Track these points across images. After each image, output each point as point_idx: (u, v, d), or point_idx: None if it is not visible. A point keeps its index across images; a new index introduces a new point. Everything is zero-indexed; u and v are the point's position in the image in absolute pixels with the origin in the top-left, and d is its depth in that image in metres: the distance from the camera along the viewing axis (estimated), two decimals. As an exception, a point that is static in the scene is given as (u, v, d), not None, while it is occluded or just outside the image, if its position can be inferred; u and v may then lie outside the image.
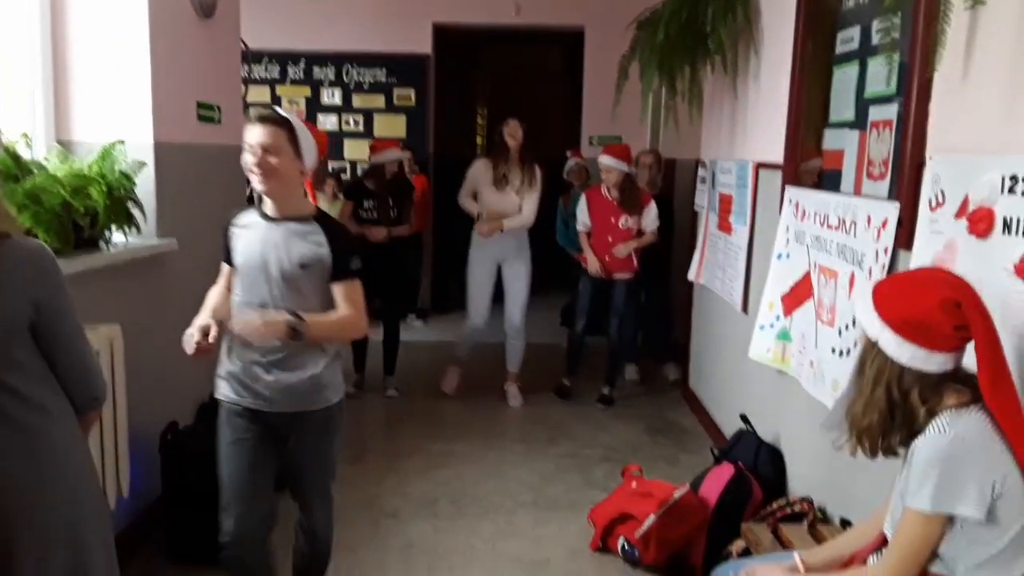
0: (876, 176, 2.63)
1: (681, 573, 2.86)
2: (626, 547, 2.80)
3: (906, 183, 2.25)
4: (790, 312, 3.04)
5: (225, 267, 2.47)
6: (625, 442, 4.19)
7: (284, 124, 2.20)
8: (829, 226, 2.74)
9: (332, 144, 6.98)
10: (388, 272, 4.82)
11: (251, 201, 5.39)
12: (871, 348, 1.58)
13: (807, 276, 2.92)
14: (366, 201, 4.76)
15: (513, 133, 4.51)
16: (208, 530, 2.87)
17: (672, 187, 5.67)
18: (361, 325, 2.31)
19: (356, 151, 6.97)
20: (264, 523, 2.40)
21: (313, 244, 2.22)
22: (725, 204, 4.09)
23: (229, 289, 2.42)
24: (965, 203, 1.93)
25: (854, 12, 2.89)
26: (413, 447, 4.04)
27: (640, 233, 4.62)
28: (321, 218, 2.30)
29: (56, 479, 1.62)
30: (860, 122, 2.79)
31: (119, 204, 2.79)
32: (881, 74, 2.64)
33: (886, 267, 2.32)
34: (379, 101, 7.00)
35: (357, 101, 7.01)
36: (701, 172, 4.68)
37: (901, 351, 1.53)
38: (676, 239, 5.27)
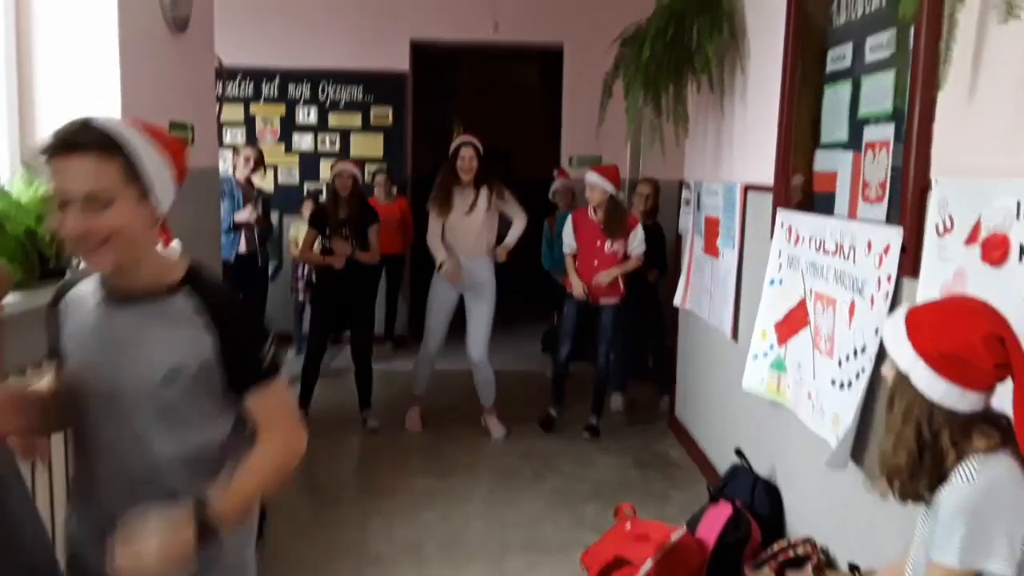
0: (873, 199, 2.54)
1: (678, 617, 2.73)
2: (620, 592, 2.67)
3: (909, 207, 2.16)
4: (784, 341, 2.94)
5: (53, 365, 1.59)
6: (614, 477, 4.05)
7: (111, 148, 1.34)
8: (826, 251, 2.64)
9: (308, 165, 6.86)
10: (354, 301, 4.68)
11: (236, 229, 5.31)
12: (901, 381, 1.46)
13: (802, 303, 2.82)
14: (327, 228, 4.60)
15: (467, 167, 4.39)
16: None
17: (655, 208, 5.57)
18: (298, 447, 1.57)
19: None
20: None
21: (184, 337, 1.40)
22: (711, 227, 3.99)
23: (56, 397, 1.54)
24: (976, 229, 1.84)
25: (845, 30, 2.81)
26: (396, 485, 3.88)
27: (626, 257, 4.51)
28: (197, 285, 1.46)
29: None
30: (854, 143, 2.71)
31: (84, 231, 2.63)
32: (876, 93, 2.57)
33: (890, 295, 2.22)
34: (356, 120, 6.85)
35: (333, 120, 6.85)
36: (685, 194, 4.59)
37: (934, 387, 1.41)
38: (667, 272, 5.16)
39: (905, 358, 1.44)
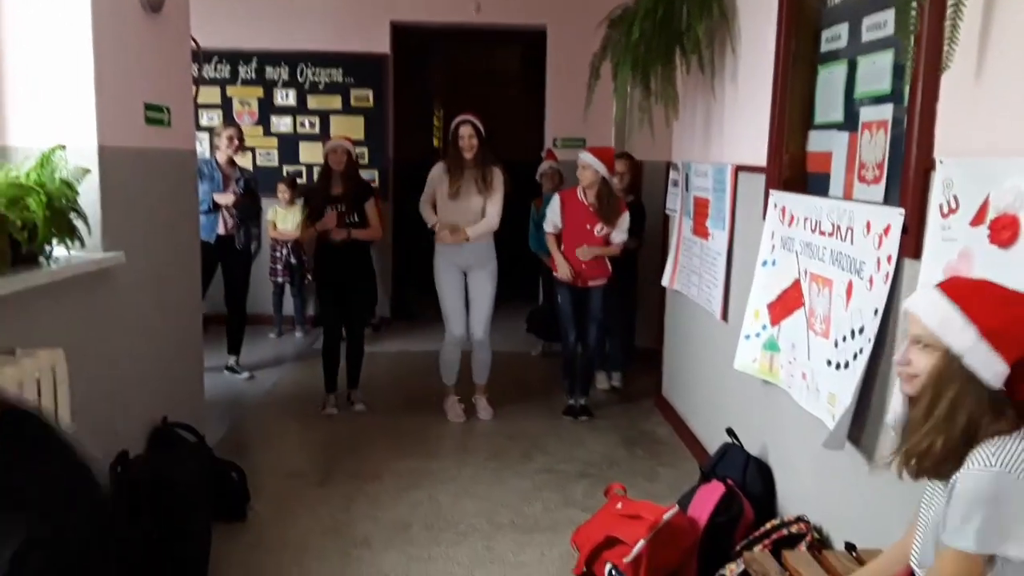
0: (870, 180, 2.53)
1: (671, 598, 2.72)
2: (614, 573, 2.65)
3: (911, 187, 2.14)
4: (778, 321, 2.93)
5: None
6: (601, 456, 4.04)
7: None
8: (821, 232, 2.63)
9: (287, 147, 6.76)
10: (352, 279, 4.61)
11: (215, 210, 5.16)
12: (950, 363, 1.41)
13: (796, 284, 2.81)
14: (326, 208, 4.52)
15: (468, 145, 4.30)
16: (162, 566, 2.66)
17: (640, 190, 5.56)
18: None
19: (312, 155, 6.71)
20: None
21: None
22: (701, 208, 3.97)
23: None
24: (983, 209, 1.82)
25: (840, 10, 2.79)
26: (382, 467, 3.84)
27: (608, 242, 4.49)
28: None
29: None
30: (849, 123, 2.69)
31: (60, 215, 2.55)
32: (874, 73, 2.55)
33: (890, 276, 2.20)
34: (335, 102, 6.75)
35: (312, 102, 6.74)
36: (673, 175, 4.56)
37: (991, 367, 1.37)
38: (646, 244, 5.16)
39: (963, 338, 1.39)
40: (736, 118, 3.57)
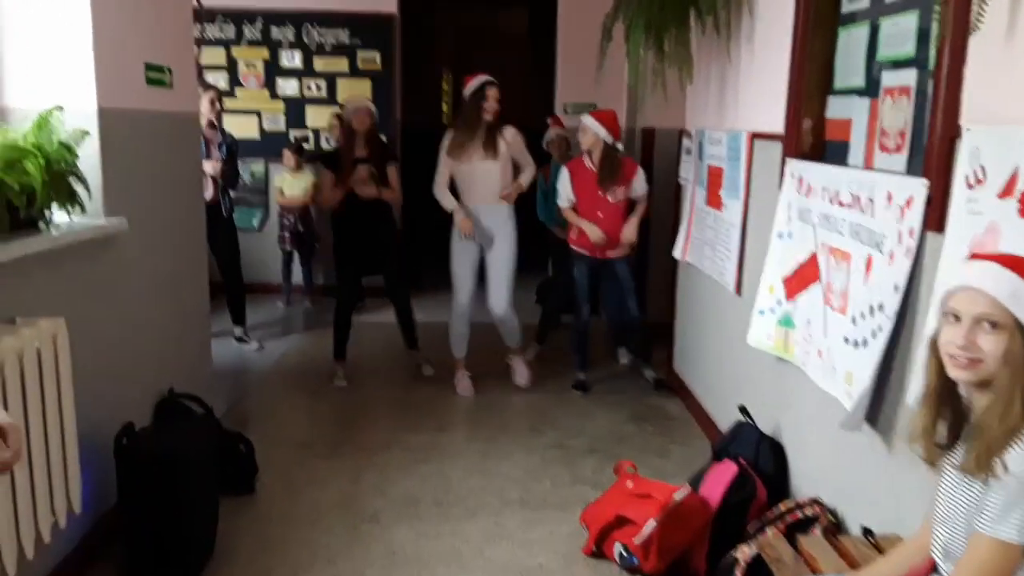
0: (891, 148, 2.43)
1: (682, 579, 2.69)
2: (624, 554, 2.62)
3: (935, 157, 2.05)
4: (793, 296, 2.85)
5: None
6: (610, 431, 4.00)
7: None
8: (840, 203, 2.54)
9: (294, 111, 6.65)
10: (380, 242, 4.53)
11: (221, 182, 5.05)
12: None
13: (813, 258, 2.73)
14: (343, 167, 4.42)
15: (491, 108, 4.19)
16: (168, 540, 2.64)
17: (651, 158, 5.45)
18: None
19: (319, 118, 6.61)
20: None
21: None
22: (714, 177, 3.88)
23: None
24: (1013, 180, 1.73)
25: (864, -31, 2.68)
26: (391, 439, 3.81)
27: (632, 204, 4.39)
28: None
29: None
30: (871, 89, 2.59)
31: (59, 179, 2.49)
32: (897, 36, 2.44)
33: (912, 250, 2.12)
34: (342, 64, 6.62)
35: (319, 64, 6.62)
36: (686, 143, 4.46)
37: None
38: (654, 213, 5.06)
39: None
40: (752, 83, 3.46)
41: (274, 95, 6.65)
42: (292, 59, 6.61)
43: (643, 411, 4.29)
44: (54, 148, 2.44)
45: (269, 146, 6.57)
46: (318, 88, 6.65)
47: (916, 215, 2.11)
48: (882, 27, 2.53)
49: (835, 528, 2.36)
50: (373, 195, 4.40)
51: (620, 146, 4.42)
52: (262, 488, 3.27)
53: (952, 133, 1.99)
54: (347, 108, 4.51)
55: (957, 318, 1.40)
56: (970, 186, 1.88)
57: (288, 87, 6.65)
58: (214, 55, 6.53)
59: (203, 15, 4.02)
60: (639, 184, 4.39)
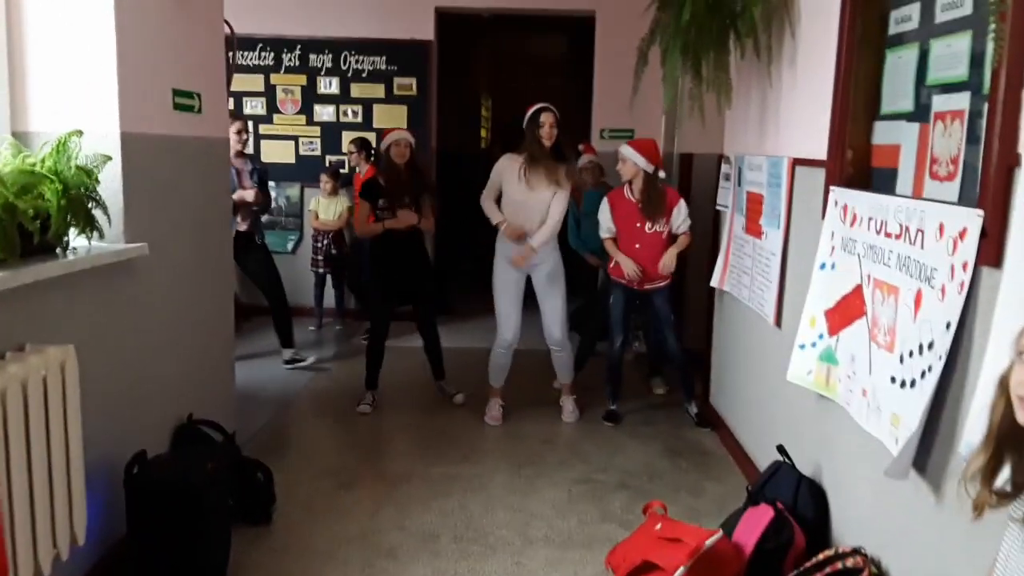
0: (943, 176, 2.28)
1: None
2: (651, 600, 2.47)
3: (992, 186, 1.90)
4: (836, 331, 2.69)
5: None
6: (642, 465, 3.84)
7: None
8: (888, 234, 2.38)
9: (329, 136, 6.66)
10: (416, 272, 4.50)
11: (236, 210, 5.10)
12: None
13: (858, 290, 2.57)
14: (381, 200, 4.41)
15: (548, 134, 4.10)
16: (177, 572, 2.56)
17: (690, 184, 5.32)
18: None
19: (355, 144, 6.61)
20: None
21: None
22: (754, 204, 3.73)
23: None
24: (1079, 214, 1.59)
25: (913, -12, 2.54)
26: (414, 470, 3.70)
27: (673, 237, 4.27)
28: None
29: None
30: (920, 113, 2.44)
31: (77, 204, 2.45)
32: (949, 57, 2.30)
33: (965, 286, 1.96)
34: (379, 91, 6.64)
35: (355, 90, 6.64)
36: (725, 168, 4.32)
37: None
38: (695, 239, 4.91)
39: None
40: (794, 107, 3.32)
41: (311, 121, 6.67)
42: (329, 85, 6.64)
43: (678, 445, 4.12)
44: (71, 173, 2.41)
45: (305, 171, 6.60)
46: (354, 114, 6.66)
47: (970, 248, 1.95)
48: (933, 49, 2.39)
49: (881, 584, 2.19)
50: (412, 223, 4.37)
51: (663, 174, 4.31)
52: (279, 518, 3.18)
53: (1010, 161, 1.84)
54: (387, 139, 4.46)
55: None
56: (1031, 218, 1.73)
57: (325, 113, 6.67)
58: (253, 82, 6.60)
59: (235, 41, 3.99)
60: (680, 216, 4.27)
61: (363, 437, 4.17)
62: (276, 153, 6.61)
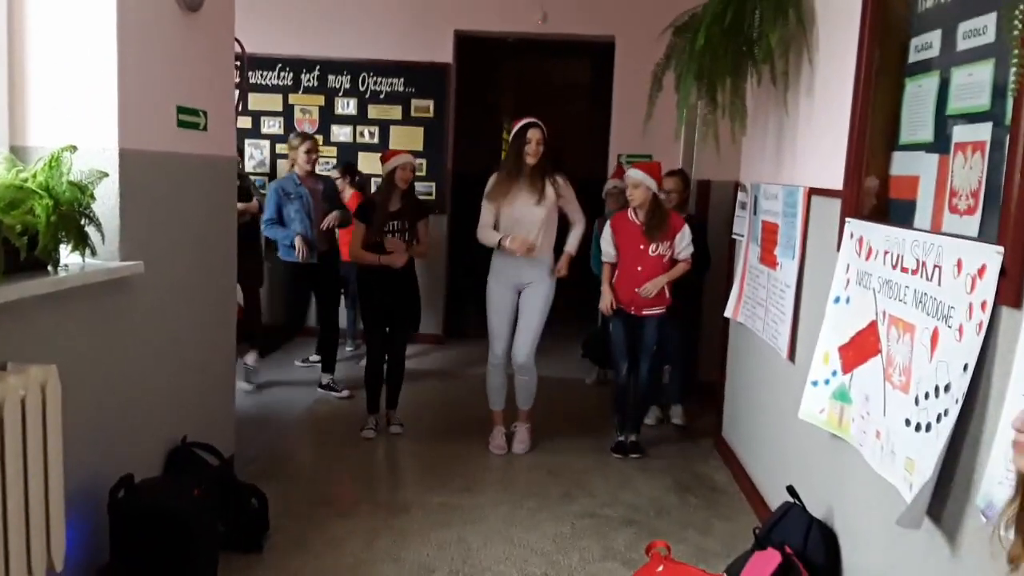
0: (962, 210, 2.17)
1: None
2: (649, 648, 2.35)
3: (1013, 222, 1.79)
4: (850, 368, 2.58)
5: None
6: (650, 500, 3.72)
7: None
8: (904, 269, 2.28)
9: (345, 156, 6.63)
10: (401, 296, 4.43)
11: (247, 229, 5.13)
12: None
13: (872, 326, 2.46)
14: (385, 225, 4.37)
15: (533, 151, 4.03)
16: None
17: (707, 211, 5.22)
18: None
19: (371, 164, 6.58)
20: None
21: None
22: (769, 234, 3.63)
23: None
24: (1106, 253, 1.48)
25: (932, 15, 2.44)
26: (413, 499, 3.60)
27: (673, 263, 4.18)
28: None
29: None
30: (940, 144, 2.34)
31: (68, 221, 2.40)
32: (970, 87, 2.20)
33: (983, 326, 1.85)
34: (396, 112, 6.62)
35: (373, 112, 6.63)
36: (741, 196, 4.23)
37: None
38: (711, 268, 4.81)
39: None
40: (811, 135, 3.23)
41: (328, 141, 6.66)
42: (347, 106, 6.64)
43: (687, 480, 4.00)
44: (63, 188, 2.36)
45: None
46: (371, 135, 6.64)
47: (989, 287, 1.84)
48: (953, 77, 2.29)
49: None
50: (403, 263, 4.36)
51: (662, 194, 4.27)
52: (271, 546, 3.10)
53: (1031, 195, 1.74)
54: (394, 161, 4.42)
55: None
56: (1053, 255, 1.63)
57: (342, 133, 6.67)
58: (271, 101, 6.62)
59: (246, 61, 3.97)
60: (684, 242, 4.19)
61: (364, 463, 4.09)
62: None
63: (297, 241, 4.99)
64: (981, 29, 2.15)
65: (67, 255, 2.48)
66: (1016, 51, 1.77)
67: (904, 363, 2.22)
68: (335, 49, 6.51)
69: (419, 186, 6.58)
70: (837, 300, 2.73)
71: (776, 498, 3.12)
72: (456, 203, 6.76)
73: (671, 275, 4.18)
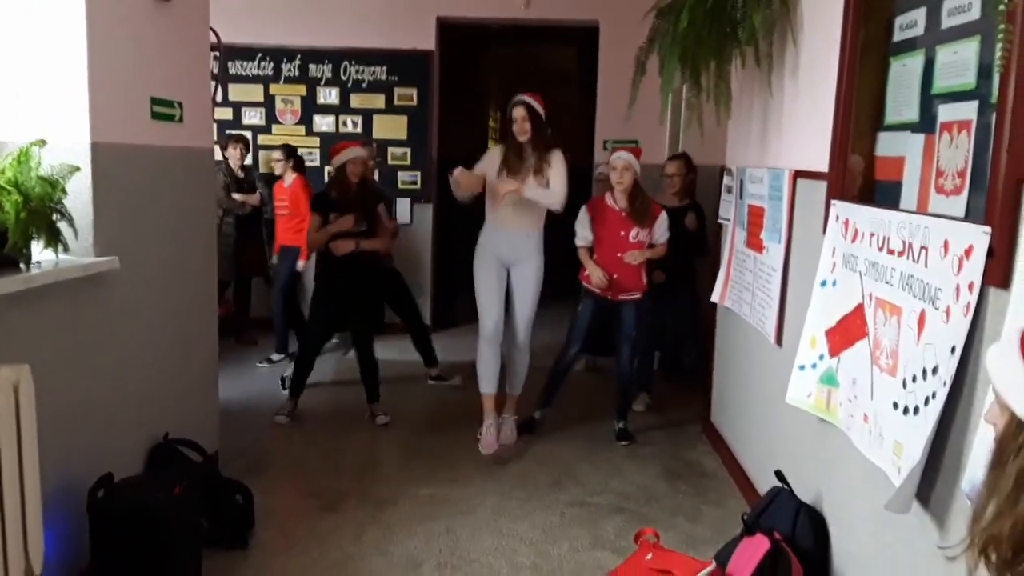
0: (949, 190, 2.15)
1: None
2: (639, 637, 2.33)
3: (1000, 202, 1.76)
4: (837, 352, 2.55)
5: None
6: (639, 488, 3.70)
7: None
8: (890, 251, 2.25)
9: (328, 146, 6.54)
10: (355, 288, 4.43)
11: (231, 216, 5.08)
12: (1016, 430, 1.11)
13: (859, 309, 2.44)
14: (331, 214, 4.38)
15: (520, 129, 3.94)
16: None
17: (693, 195, 5.18)
18: None
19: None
20: None
21: None
22: (755, 218, 3.60)
23: None
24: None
25: (918, -7, 2.41)
26: (398, 492, 3.57)
27: (651, 246, 4.16)
28: None
29: None
30: (926, 124, 2.31)
31: (39, 217, 2.35)
32: (955, 65, 2.17)
33: (971, 307, 1.82)
34: (379, 101, 6.55)
35: (355, 101, 6.56)
36: (727, 180, 4.20)
37: None
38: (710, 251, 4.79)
39: None
40: (796, 117, 3.20)
41: (310, 131, 6.59)
42: (329, 96, 6.56)
43: (677, 467, 3.98)
44: (33, 184, 2.31)
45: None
46: (354, 124, 6.57)
47: (976, 267, 1.82)
48: (938, 56, 2.26)
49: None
50: (348, 250, 4.35)
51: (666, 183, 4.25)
52: (256, 543, 3.06)
53: (1019, 175, 1.71)
54: (344, 154, 4.43)
55: None
56: (1040, 235, 1.60)
57: (324, 123, 6.59)
58: (252, 92, 6.53)
59: (222, 50, 3.90)
60: (662, 227, 4.20)
61: (351, 456, 4.05)
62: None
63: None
64: (966, 6, 2.11)
65: (39, 252, 2.44)
66: (1002, 27, 1.73)
67: (891, 346, 2.20)
68: (316, 38, 6.43)
69: (404, 175, 6.57)
70: (824, 283, 2.70)
71: (765, 483, 3.11)
72: (441, 192, 6.70)
73: (652, 253, 4.18)
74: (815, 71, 2.97)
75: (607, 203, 4.17)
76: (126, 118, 2.84)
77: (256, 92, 6.53)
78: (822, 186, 2.81)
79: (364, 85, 6.53)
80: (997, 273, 1.75)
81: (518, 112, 3.95)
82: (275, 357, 5.67)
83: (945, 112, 2.20)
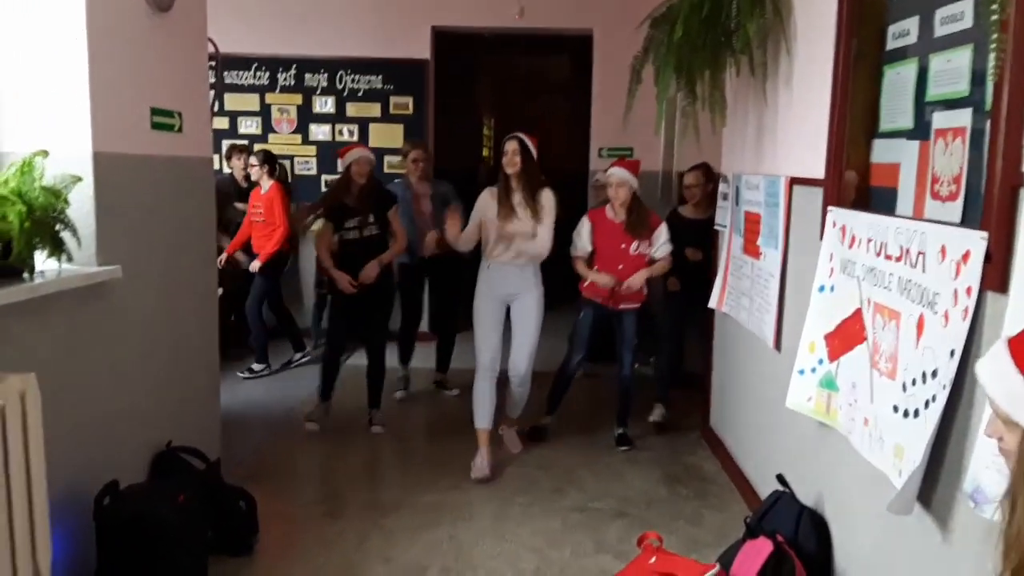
0: (944, 196, 2.18)
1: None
2: (643, 640, 2.35)
3: (995, 207, 1.80)
4: (836, 356, 2.58)
5: None
6: (641, 493, 3.72)
7: None
8: (888, 256, 2.28)
9: (325, 155, 6.60)
10: (373, 294, 4.41)
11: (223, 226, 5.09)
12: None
13: (858, 314, 2.47)
14: (347, 221, 4.36)
15: (510, 161, 3.94)
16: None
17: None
18: None
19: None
20: None
21: None
22: (752, 224, 3.64)
23: None
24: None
25: (909, 1, 2.45)
26: (400, 499, 3.58)
27: (651, 261, 4.18)
28: None
29: None
30: (920, 131, 2.35)
31: (42, 227, 2.37)
32: (949, 72, 2.21)
33: (969, 312, 1.86)
34: (375, 110, 6.58)
35: (351, 110, 6.58)
36: (723, 187, 4.23)
37: None
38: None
39: None
40: (791, 125, 3.23)
41: (306, 140, 6.61)
42: (325, 104, 6.59)
43: (678, 472, 4.00)
44: (37, 194, 2.32)
45: (300, 191, 6.51)
46: (350, 133, 6.60)
47: (973, 272, 1.85)
48: (932, 64, 2.30)
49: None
50: (375, 275, 4.36)
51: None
52: (260, 549, 3.07)
53: (1015, 181, 1.75)
54: (349, 155, 4.42)
55: None
56: (1037, 239, 1.63)
57: (320, 132, 6.61)
58: (248, 101, 6.56)
59: (219, 60, 3.92)
60: (661, 239, 4.20)
61: (354, 463, 4.06)
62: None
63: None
64: (958, 15, 2.15)
65: (43, 262, 2.45)
66: (995, 37, 1.77)
67: (890, 350, 2.23)
68: (311, 47, 6.46)
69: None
70: (822, 289, 2.73)
71: (766, 487, 3.13)
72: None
73: (652, 270, 4.18)
74: (809, 79, 3.00)
75: (607, 215, 4.20)
76: (127, 128, 2.86)
77: (252, 101, 6.56)
78: (818, 193, 2.84)
79: (360, 94, 6.56)
80: (995, 278, 1.78)
81: (510, 145, 3.96)
82: (256, 367, 5.63)
83: (939, 119, 2.24)
